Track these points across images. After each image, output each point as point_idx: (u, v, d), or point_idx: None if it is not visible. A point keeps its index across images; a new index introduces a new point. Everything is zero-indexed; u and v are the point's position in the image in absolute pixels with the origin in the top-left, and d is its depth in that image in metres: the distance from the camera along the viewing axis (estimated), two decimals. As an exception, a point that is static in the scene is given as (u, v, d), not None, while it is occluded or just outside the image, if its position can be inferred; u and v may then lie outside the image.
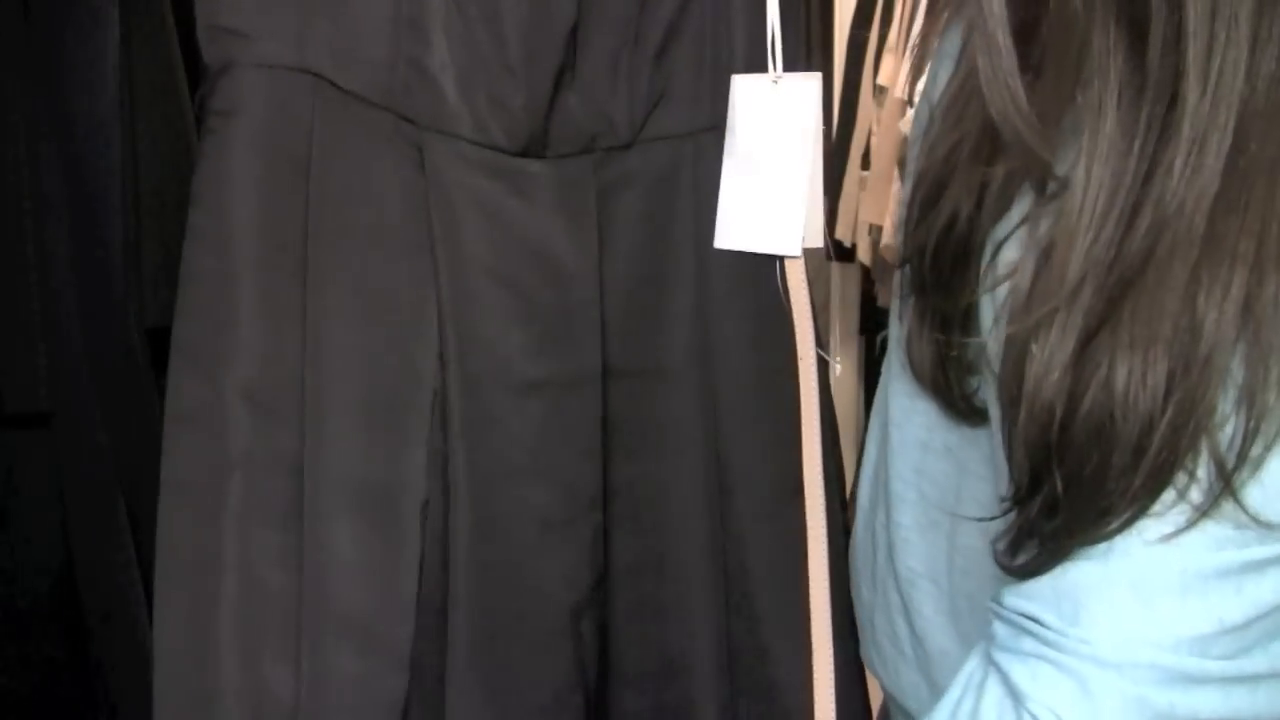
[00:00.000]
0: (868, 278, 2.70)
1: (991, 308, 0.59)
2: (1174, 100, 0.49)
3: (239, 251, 0.71)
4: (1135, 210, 0.50)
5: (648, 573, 0.79)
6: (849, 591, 0.80)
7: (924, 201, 0.62)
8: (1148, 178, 0.50)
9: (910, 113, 2.27)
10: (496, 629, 0.74)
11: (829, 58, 2.60)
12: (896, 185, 2.44)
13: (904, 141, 2.32)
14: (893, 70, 2.38)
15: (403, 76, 0.72)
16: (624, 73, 0.75)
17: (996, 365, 0.55)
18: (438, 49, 0.71)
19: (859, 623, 0.79)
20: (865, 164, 2.55)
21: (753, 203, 0.77)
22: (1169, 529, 0.51)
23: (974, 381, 0.64)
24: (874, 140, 2.51)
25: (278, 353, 0.72)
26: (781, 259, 0.78)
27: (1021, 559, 0.55)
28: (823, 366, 0.79)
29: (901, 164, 2.43)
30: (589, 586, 0.76)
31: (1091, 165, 0.51)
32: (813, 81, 0.76)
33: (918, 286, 0.64)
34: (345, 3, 0.72)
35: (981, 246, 0.59)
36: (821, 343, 0.80)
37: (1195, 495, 0.50)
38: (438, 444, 0.73)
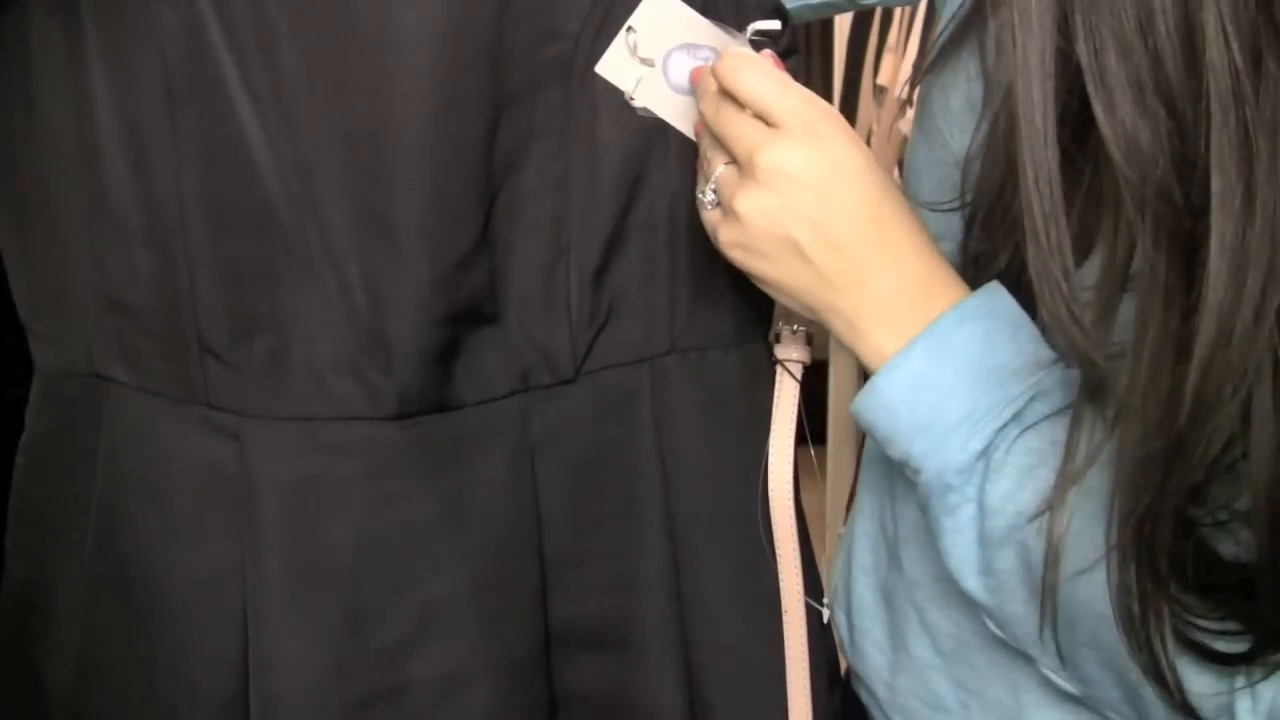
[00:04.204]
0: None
1: None
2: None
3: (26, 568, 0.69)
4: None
5: None
6: None
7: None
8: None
9: (911, 113, 2.27)
10: None
11: (829, 58, 2.60)
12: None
13: (904, 142, 2.31)
14: (892, 70, 2.38)
15: (199, 360, 0.60)
16: (556, 294, 0.63)
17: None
18: (257, 315, 0.60)
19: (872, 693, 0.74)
20: (865, 164, 2.55)
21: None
22: None
23: None
24: (874, 140, 2.51)
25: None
26: (765, 498, 0.69)
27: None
28: (812, 613, 0.71)
29: (901, 165, 2.43)
30: None
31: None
32: None
33: None
34: (130, 286, 0.61)
35: None
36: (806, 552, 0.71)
37: None
38: None
